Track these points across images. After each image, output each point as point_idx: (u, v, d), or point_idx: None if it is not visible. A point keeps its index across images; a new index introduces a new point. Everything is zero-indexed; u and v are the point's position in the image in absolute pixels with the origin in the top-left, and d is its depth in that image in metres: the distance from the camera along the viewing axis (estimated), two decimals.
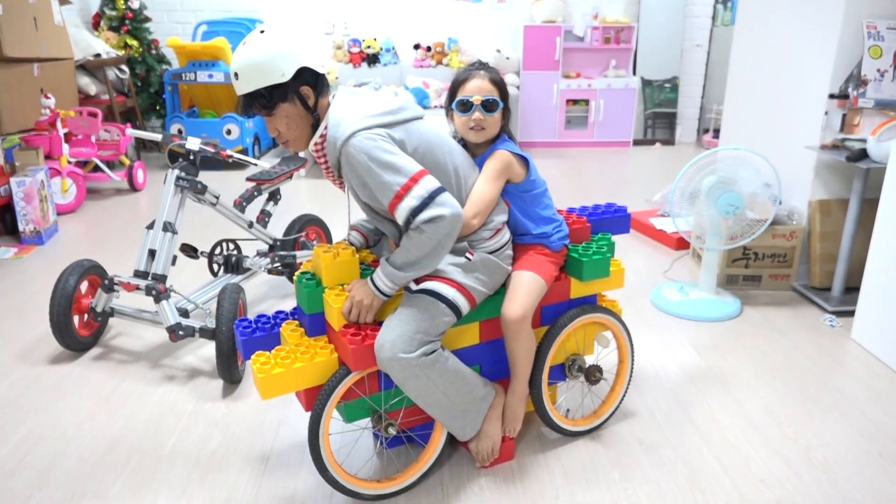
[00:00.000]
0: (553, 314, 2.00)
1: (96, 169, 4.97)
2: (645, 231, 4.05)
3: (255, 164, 3.03)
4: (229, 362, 2.30)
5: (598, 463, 1.98)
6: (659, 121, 6.89)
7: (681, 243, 3.76)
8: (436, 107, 6.09)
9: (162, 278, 2.48)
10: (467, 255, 1.77)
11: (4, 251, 3.74)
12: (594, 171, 5.75)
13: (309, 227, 3.26)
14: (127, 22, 6.01)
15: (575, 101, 6.61)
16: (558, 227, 1.97)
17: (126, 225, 4.25)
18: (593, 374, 2.09)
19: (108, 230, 4.15)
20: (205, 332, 2.40)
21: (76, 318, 2.59)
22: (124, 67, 5.91)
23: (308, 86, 1.68)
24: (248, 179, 3.12)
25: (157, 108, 6.37)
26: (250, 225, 3.00)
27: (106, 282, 2.54)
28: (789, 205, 3.20)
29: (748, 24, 3.57)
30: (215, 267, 2.99)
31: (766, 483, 1.89)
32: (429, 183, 1.62)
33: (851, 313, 2.82)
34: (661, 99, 6.83)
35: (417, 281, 1.73)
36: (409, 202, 1.60)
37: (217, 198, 2.74)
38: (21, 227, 3.81)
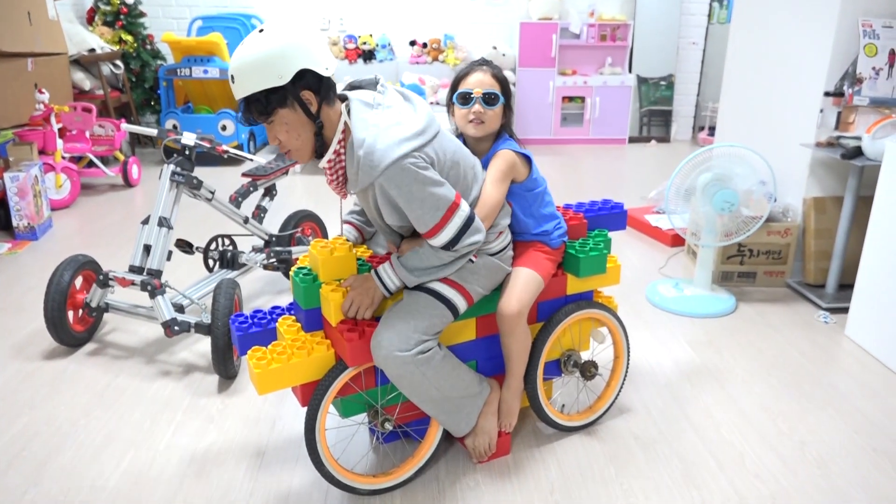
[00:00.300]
0: (549, 310, 2.00)
1: (90, 164, 4.95)
2: (640, 228, 4.05)
3: (251, 160, 3.02)
4: (225, 357, 2.29)
5: (594, 458, 1.99)
6: (654, 118, 6.90)
7: (676, 240, 3.77)
8: (432, 103, 6.08)
9: (157, 274, 2.48)
10: (471, 258, 1.77)
11: None
12: (590, 169, 5.76)
13: (304, 223, 3.26)
14: (121, 17, 5.98)
15: (571, 99, 6.62)
16: (558, 225, 1.97)
17: (121, 220, 4.24)
18: (589, 370, 2.09)
19: (103, 226, 4.13)
20: (200, 328, 2.39)
21: (71, 314, 2.59)
22: (119, 62, 5.88)
23: (310, 90, 1.55)
24: (244, 175, 3.11)
25: (152, 103, 6.35)
26: (246, 220, 2.99)
27: (101, 277, 2.53)
28: (784, 202, 3.22)
29: (744, 22, 3.58)
30: (211, 262, 2.98)
31: (761, 478, 1.91)
32: (463, 211, 1.64)
33: (845, 310, 2.83)
34: (657, 96, 6.84)
35: None
36: (448, 234, 1.63)
37: (212, 193, 2.74)
38: (15, 223, 3.79)
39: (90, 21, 6.10)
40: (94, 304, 2.60)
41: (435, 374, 1.72)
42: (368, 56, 6.38)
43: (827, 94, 2.99)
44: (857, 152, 2.79)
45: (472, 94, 1.84)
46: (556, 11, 6.42)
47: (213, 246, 2.97)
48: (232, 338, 2.15)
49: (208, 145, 2.69)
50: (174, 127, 5.68)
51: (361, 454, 2.00)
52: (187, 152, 2.64)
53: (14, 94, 4.39)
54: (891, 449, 2.04)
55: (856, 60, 2.92)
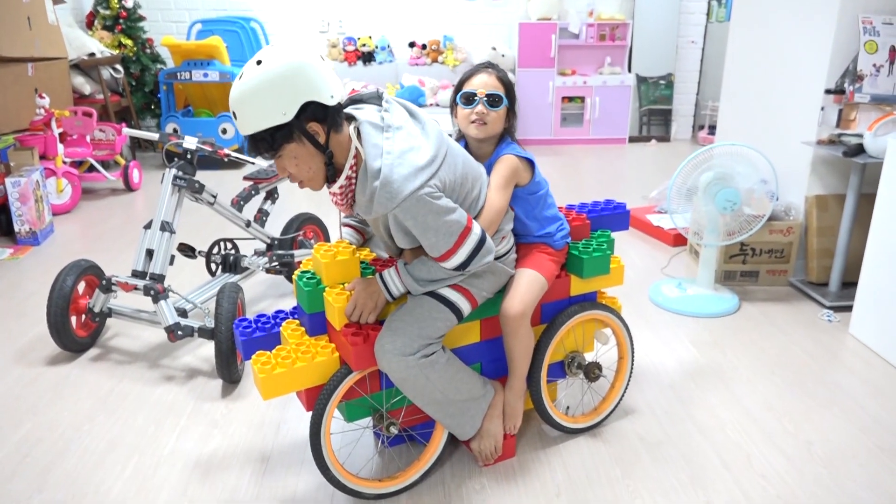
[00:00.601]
0: (553, 311, 2.00)
1: (91, 169, 4.95)
2: (642, 228, 4.05)
3: (253, 163, 3.02)
4: (228, 362, 2.29)
5: (600, 460, 1.99)
6: (654, 118, 6.89)
7: (678, 240, 3.77)
8: (431, 105, 6.08)
9: (160, 278, 2.47)
10: None
11: (0, 252, 3.72)
12: (590, 169, 5.75)
13: (306, 226, 3.26)
14: (121, 21, 5.98)
15: (570, 99, 6.61)
16: (561, 226, 1.97)
17: (122, 225, 4.23)
18: (593, 372, 2.09)
19: (105, 230, 4.13)
20: (203, 332, 2.39)
21: (74, 319, 2.58)
22: (119, 67, 5.87)
23: (316, 121, 1.49)
24: (246, 178, 3.11)
25: (152, 107, 6.34)
26: (248, 224, 2.99)
27: (103, 282, 2.53)
28: (786, 200, 3.21)
29: (743, 20, 3.57)
30: (213, 266, 2.98)
31: (768, 478, 1.90)
32: (475, 235, 1.64)
33: (849, 308, 2.83)
34: (657, 96, 6.83)
35: None
36: (460, 257, 1.63)
37: (214, 197, 2.73)
38: (17, 228, 3.79)
39: (90, 25, 6.10)
40: (96, 309, 2.60)
41: (439, 377, 1.72)
42: (368, 58, 6.37)
43: (828, 91, 2.99)
44: (859, 150, 2.78)
45: (475, 94, 1.84)
46: (555, 11, 6.41)
47: (215, 250, 2.97)
48: (236, 342, 2.15)
49: (210, 149, 2.69)
50: (175, 131, 5.68)
51: (367, 458, 2.00)
52: (189, 156, 2.64)
53: (14, 99, 4.39)
54: None
55: (856, 57, 2.92)
